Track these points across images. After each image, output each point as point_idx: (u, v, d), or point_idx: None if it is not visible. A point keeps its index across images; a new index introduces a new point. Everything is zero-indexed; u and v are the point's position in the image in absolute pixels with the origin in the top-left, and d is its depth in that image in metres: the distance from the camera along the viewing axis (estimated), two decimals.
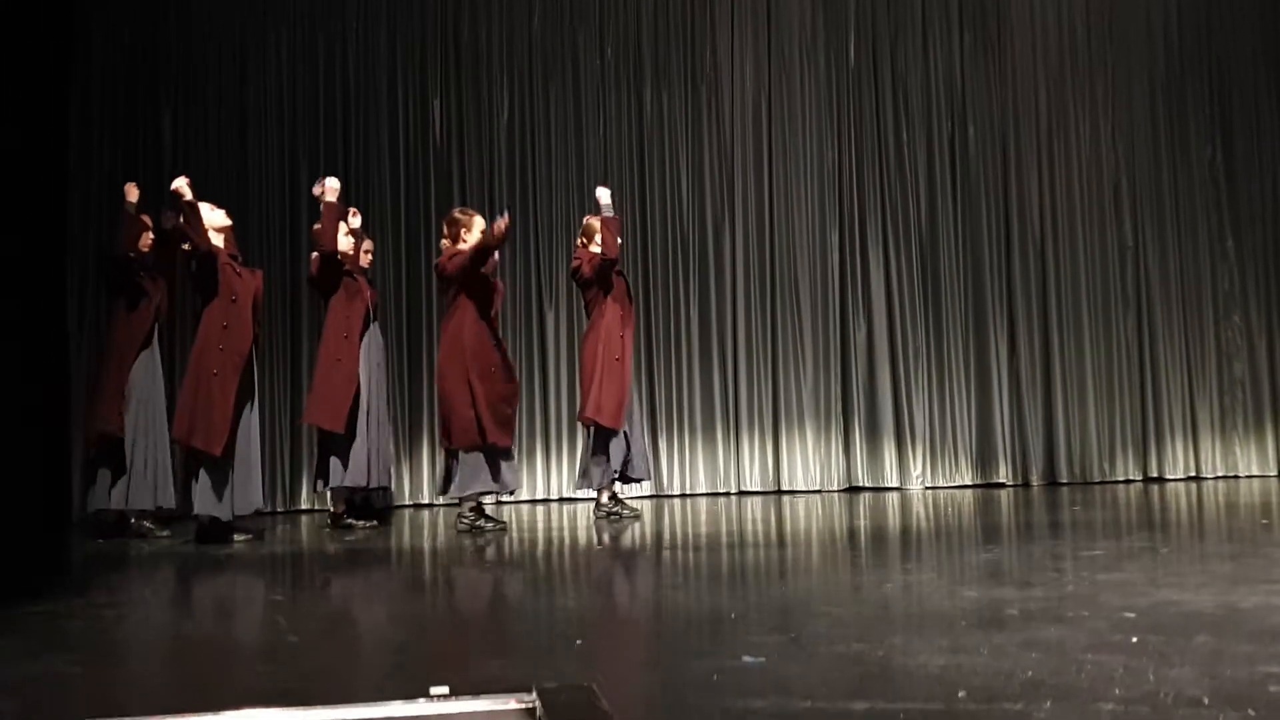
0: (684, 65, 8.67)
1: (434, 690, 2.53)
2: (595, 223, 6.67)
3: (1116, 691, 2.40)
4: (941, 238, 8.82)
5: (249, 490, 5.92)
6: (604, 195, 6.69)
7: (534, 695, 2.48)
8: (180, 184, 5.85)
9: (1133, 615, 3.23)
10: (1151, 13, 9.22)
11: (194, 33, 8.04)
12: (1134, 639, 2.90)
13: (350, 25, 8.24)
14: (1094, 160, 9.04)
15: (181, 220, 5.82)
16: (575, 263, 6.72)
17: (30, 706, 2.56)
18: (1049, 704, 2.31)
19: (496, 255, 6.29)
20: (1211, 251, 9.16)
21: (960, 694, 2.41)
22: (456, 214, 6.45)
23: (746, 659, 2.81)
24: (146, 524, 6.35)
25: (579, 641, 3.26)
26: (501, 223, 6.05)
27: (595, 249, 6.62)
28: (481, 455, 6.08)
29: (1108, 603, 3.44)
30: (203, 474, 5.76)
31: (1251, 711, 2.23)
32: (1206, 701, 2.31)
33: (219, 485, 5.80)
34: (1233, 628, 3.04)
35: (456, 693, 2.51)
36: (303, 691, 2.60)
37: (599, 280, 6.58)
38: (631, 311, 6.81)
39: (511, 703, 2.47)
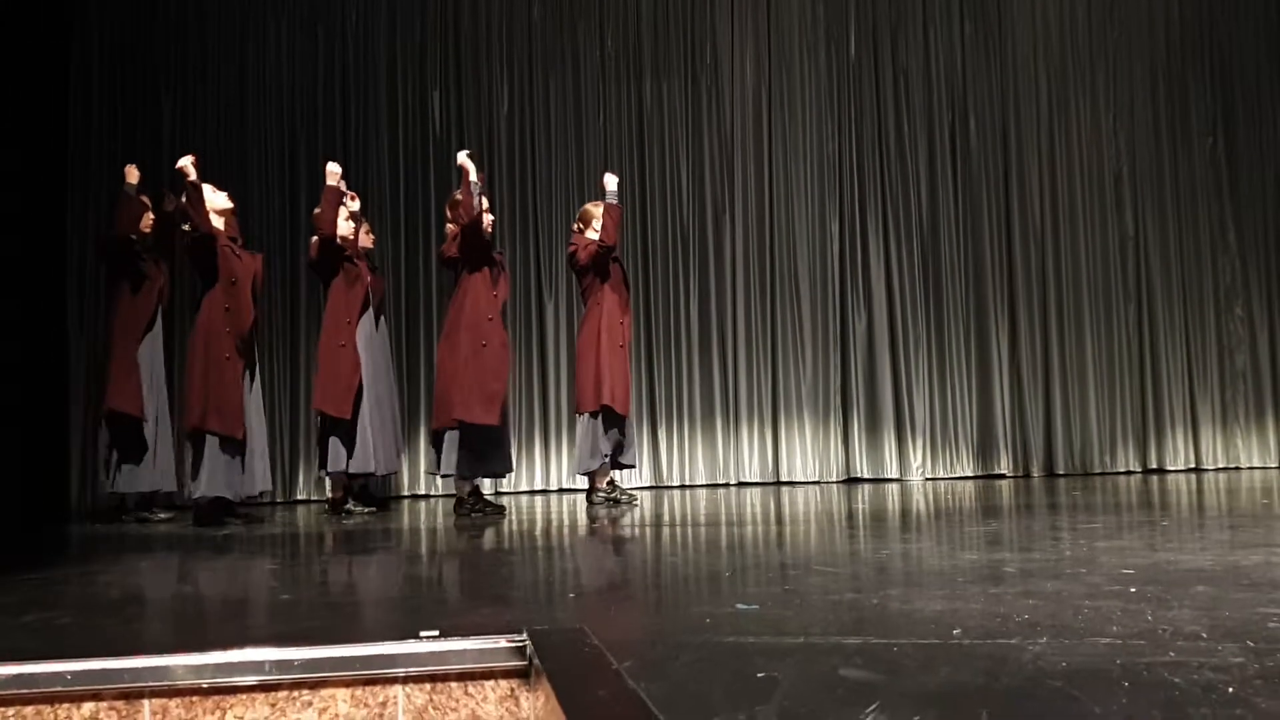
0: (684, 57, 8.68)
1: (424, 633, 2.52)
2: (594, 209, 6.66)
3: (1114, 629, 2.38)
4: (942, 228, 8.81)
5: (256, 470, 5.93)
6: (611, 182, 6.67)
7: (525, 636, 2.47)
8: (185, 163, 5.84)
9: (1131, 572, 3.21)
10: (1153, 1, 9.23)
11: (193, 19, 8.05)
12: (1132, 589, 2.88)
13: (350, 15, 8.25)
14: (1095, 150, 9.04)
15: (184, 200, 5.82)
16: (571, 248, 6.72)
17: (18, 650, 2.54)
18: (1044, 639, 2.29)
19: (490, 220, 6.28)
20: (1213, 243, 9.16)
21: (955, 631, 2.39)
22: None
23: (740, 606, 2.79)
24: (159, 512, 6.35)
25: (572, 595, 3.23)
26: (465, 165, 6.08)
27: (591, 235, 6.60)
28: (462, 436, 6.07)
29: (1106, 563, 3.42)
30: (213, 456, 5.76)
31: (1250, 643, 2.21)
32: (1205, 636, 2.29)
33: (230, 466, 5.80)
34: (1232, 580, 3.02)
35: (448, 636, 2.50)
36: (296, 636, 2.58)
37: (595, 267, 6.57)
38: (628, 298, 6.80)
39: (502, 642, 2.46)
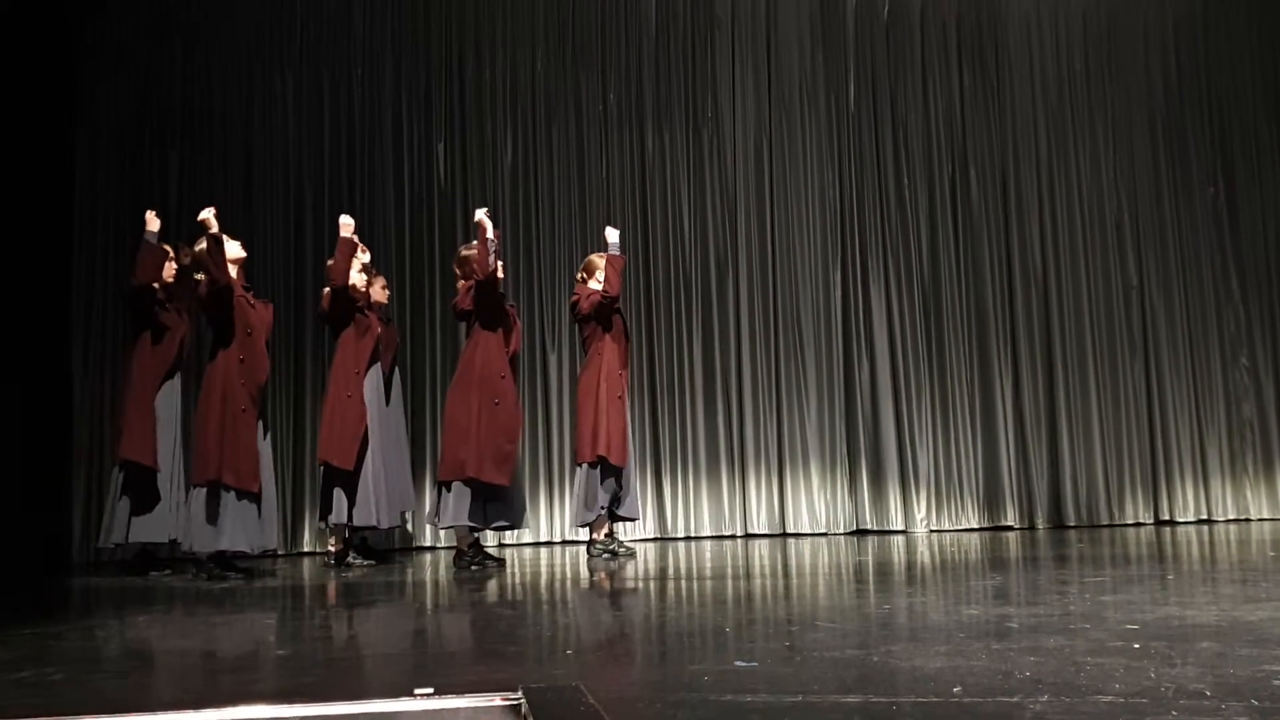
0: (685, 107, 8.74)
1: (418, 691, 2.49)
2: (598, 260, 6.70)
3: (1116, 687, 2.35)
4: (944, 277, 8.81)
5: (266, 524, 5.88)
6: (612, 235, 6.73)
7: (520, 694, 2.43)
8: (208, 215, 5.86)
9: (1136, 627, 3.17)
10: (1150, 52, 9.30)
11: (199, 73, 8.12)
12: (1136, 645, 2.85)
13: (356, 67, 8.33)
14: (1095, 199, 9.07)
15: (204, 251, 5.82)
16: (574, 298, 6.75)
17: (10, 707, 2.51)
18: (1045, 697, 2.26)
19: (500, 267, 6.31)
20: (1216, 292, 9.15)
21: (956, 689, 2.36)
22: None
23: (739, 663, 2.76)
24: (165, 569, 6.30)
25: (570, 651, 3.20)
26: (483, 222, 6.12)
27: (595, 285, 6.63)
28: (470, 490, 6.07)
29: (1111, 618, 3.38)
30: (229, 509, 5.71)
31: (1255, 701, 2.18)
32: (1209, 694, 2.26)
33: (245, 519, 5.74)
34: (1237, 636, 2.98)
35: (442, 693, 2.47)
36: (290, 693, 2.55)
37: (598, 317, 6.60)
38: (628, 349, 6.82)
39: (497, 700, 2.43)
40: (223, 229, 5.86)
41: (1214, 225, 9.21)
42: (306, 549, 7.78)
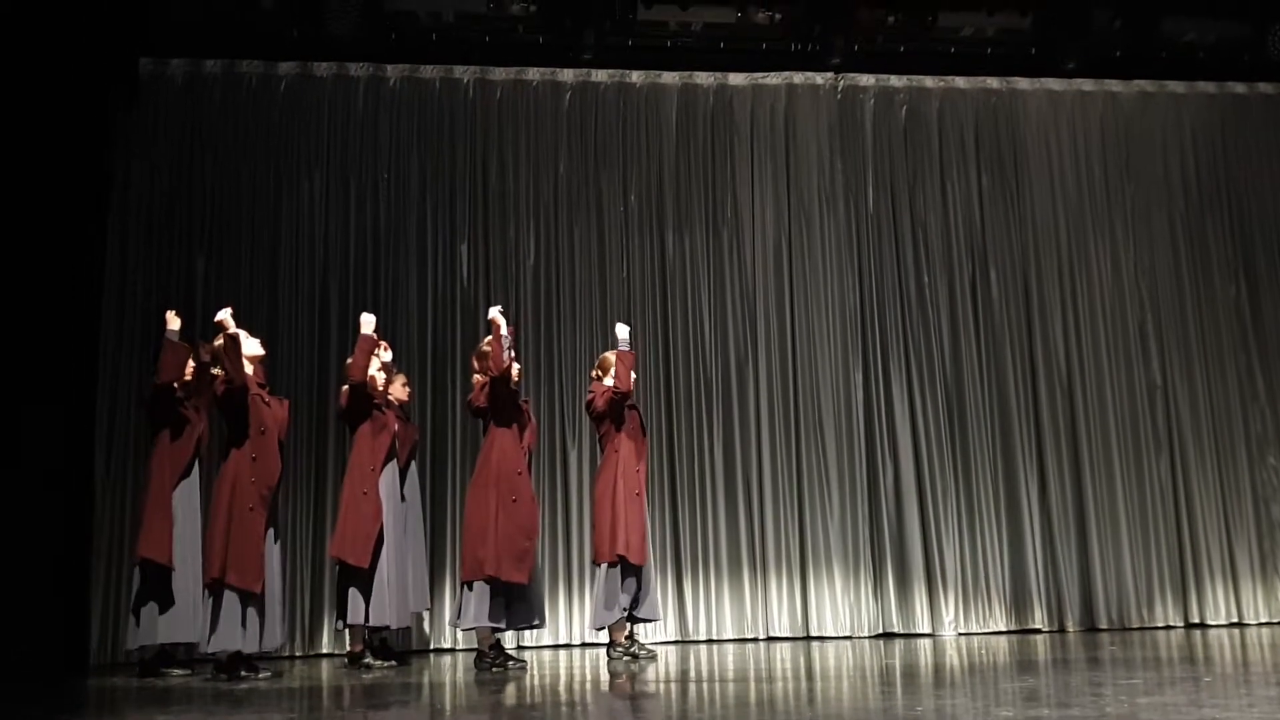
0: (705, 209, 8.84)
1: None
2: (612, 357, 6.76)
3: None
4: (966, 378, 8.79)
5: (274, 625, 5.84)
6: (622, 331, 6.81)
7: None
8: (225, 315, 5.94)
9: None
10: (1168, 155, 9.37)
11: (228, 178, 8.29)
12: None
13: (382, 170, 8.49)
14: (1117, 299, 9.07)
15: (221, 348, 5.88)
16: (589, 396, 6.80)
17: None
18: None
19: (516, 365, 6.35)
20: (1241, 391, 9.08)
21: None
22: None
23: None
24: (175, 669, 6.23)
25: None
26: (496, 320, 6.18)
27: (609, 382, 6.68)
28: (490, 589, 6.02)
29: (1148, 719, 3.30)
30: (230, 608, 5.68)
31: None
32: None
33: (247, 619, 5.72)
34: None
35: None
36: None
37: (611, 414, 6.63)
38: (645, 446, 6.82)
39: None
40: (245, 328, 5.93)
41: (1237, 324, 9.18)
42: (325, 650, 7.69)
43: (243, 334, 5.98)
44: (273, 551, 5.94)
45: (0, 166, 6.95)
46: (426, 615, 7.49)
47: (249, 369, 5.98)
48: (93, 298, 7.92)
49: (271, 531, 5.93)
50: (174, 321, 6.42)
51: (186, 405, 6.39)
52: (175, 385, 6.36)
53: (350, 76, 8.58)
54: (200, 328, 7.26)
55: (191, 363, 6.46)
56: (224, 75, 8.44)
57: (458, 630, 7.18)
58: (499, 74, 8.77)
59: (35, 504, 7.05)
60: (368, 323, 6.53)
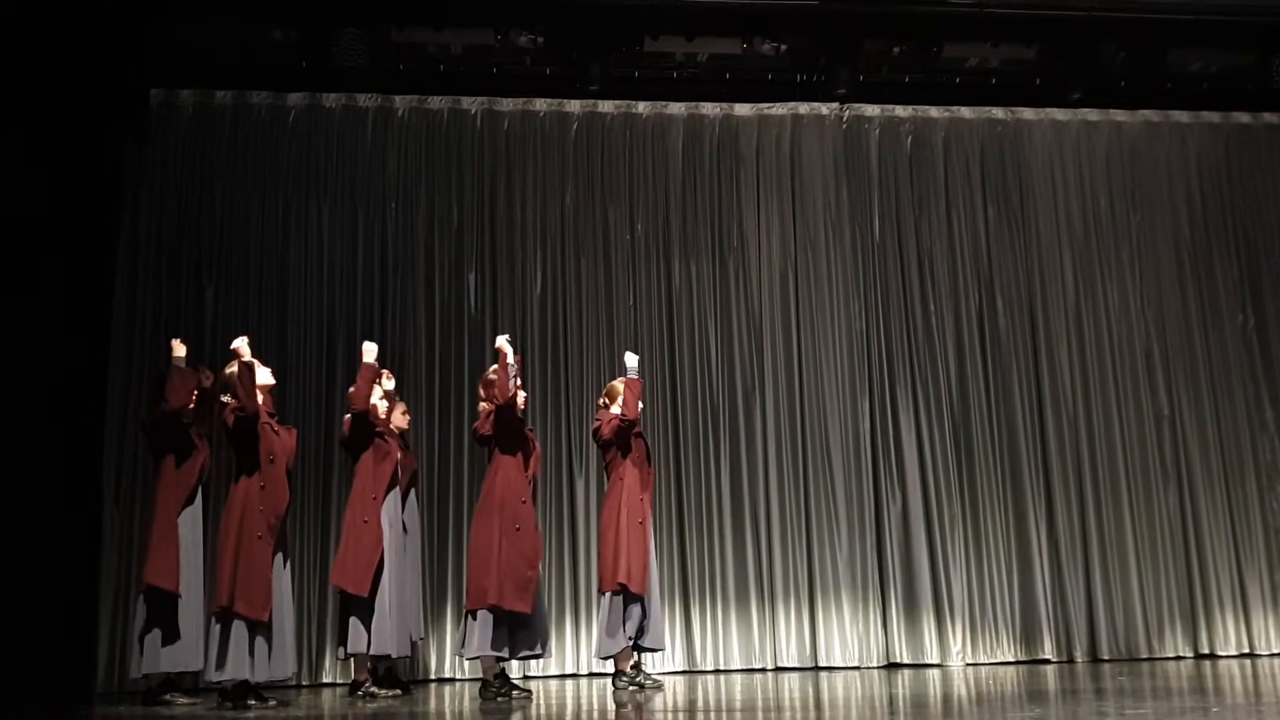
0: (711, 239, 8.86)
1: None
2: (618, 385, 6.79)
3: None
4: (973, 407, 8.78)
5: (283, 654, 5.83)
6: (631, 359, 6.84)
7: None
8: (241, 344, 5.98)
9: None
10: (1174, 181, 9.38)
11: (237, 207, 8.35)
12: None
13: (390, 201, 8.55)
14: (1124, 329, 9.06)
15: (234, 376, 5.90)
16: (595, 424, 6.82)
17: None
18: None
19: (523, 397, 6.37)
20: (1250, 421, 9.05)
21: None
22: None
23: None
24: (179, 696, 6.22)
25: None
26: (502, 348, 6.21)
27: (616, 410, 6.69)
28: (494, 618, 6.02)
29: None
30: (239, 638, 5.67)
31: None
32: None
33: (255, 648, 5.70)
34: None
35: None
36: None
37: (618, 442, 6.64)
38: (651, 475, 6.83)
39: None
40: (255, 357, 5.95)
41: (1245, 353, 9.15)
42: (330, 680, 7.67)
43: (256, 363, 6.01)
44: (284, 579, 5.93)
45: (11, 195, 6.99)
46: (421, 644, 7.46)
47: (259, 398, 5.99)
48: (102, 325, 7.96)
49: (281, 558, 5.92)
50: (179, 349, 6.44)
51: (191, 432, 6.40)
52: (180, 411, 6.39)
53: (359, 107, 8.65)
54: (210, 356, 7.31)
55: (194, 391, 6.48)
56: (233, 106, 8.51)
57: (463, 659, 7.15)
58: (506, 105, 8.83)
59: (44, 531, 7.06)
60: (370, 351, 6.56)
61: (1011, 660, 8.37)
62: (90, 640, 7.48)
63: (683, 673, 8.01)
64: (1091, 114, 9.35)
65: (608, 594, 6.48)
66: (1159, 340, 9.08)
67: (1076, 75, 8.84)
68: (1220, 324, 9.16)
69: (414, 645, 6.77)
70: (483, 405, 6.51)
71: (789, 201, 9.01)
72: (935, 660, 8.32)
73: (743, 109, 9.06)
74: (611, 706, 5.78)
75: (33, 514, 6.91)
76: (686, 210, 8.90)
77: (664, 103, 9.01)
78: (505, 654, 6.12)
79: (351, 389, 6.61)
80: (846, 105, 9.13)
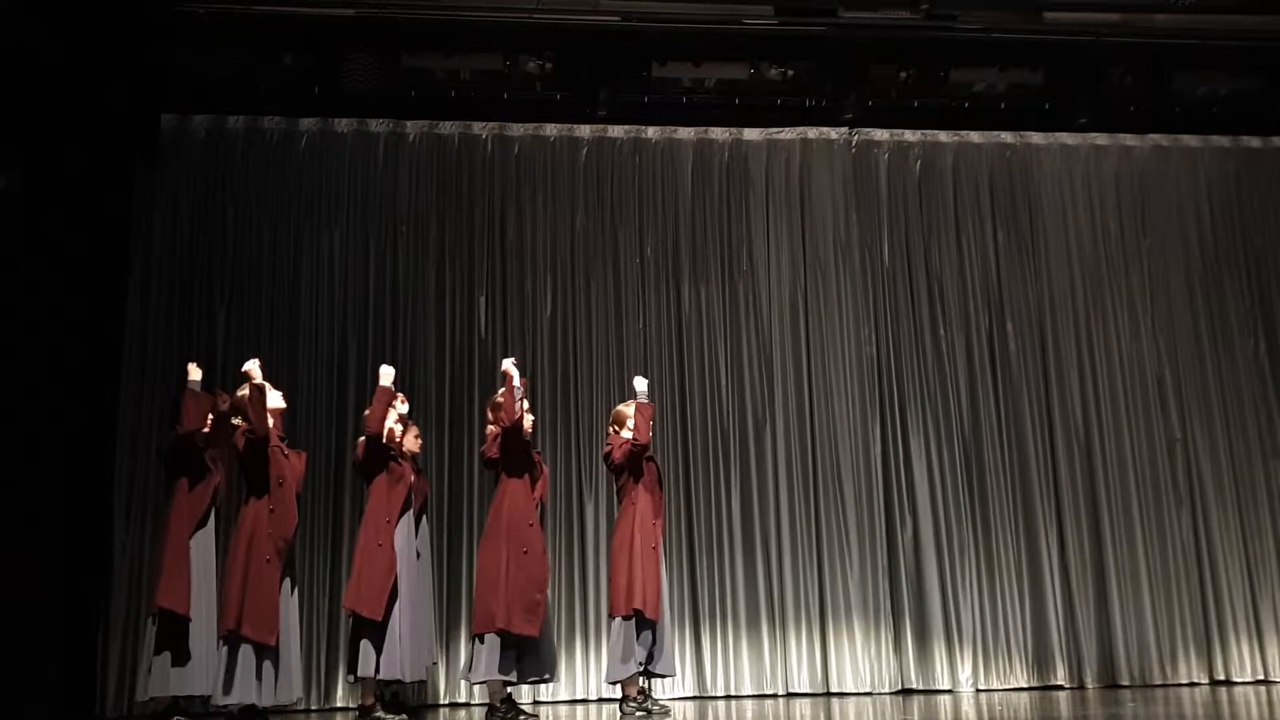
0: (721, 263, 8.87)
1: None
2: (626, 410, 6.80)
3: None
4: (984, 432, 8.75)
5: (290, 677, 5.82)
6: (641, 383, 6.83)
7: None
8: (252, 366, 6.00)
9: None
10: (1184, 207, 9.37)
11: (249, 232, 8.38)
12: None
13: (401, 225, 8.58)
14: (1135, 353, 9.03)
15: (245, 399, 5.92)
16: (606, 449, 6.81)
17: None
18: None
19: (530, 420, 6.37)
20: (1263, 445, 9.00)
21: None
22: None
23: None
24: None
25: None
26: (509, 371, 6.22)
27: (626, 434, 6.68)
28: (501, 641, 5.99)
29: None
30: (245, 662, 5.67)
31: None
32: None
33: (262, 672, 5.70)
34: None
35: None
36: None
37: (630, 466, 6.62)
38: (662, 499, 6.81)
39: None
40: (267, 380, 5.97)
41: (1257, 378, 9.11)
42: (340, 704, 7.65)
43: (267, 385, 6.03)
44: (290, 604, 5.94)
45: (22, 219, 7.04)
46: (432, 669, 7.44)
47: (270, 421, 6.01)
48: (114, 349, 7.99)
49: (288, 583, 5.93)
50: (195, 372, 6.46)
51: (206, 455, 6.41)
52: (194, 434, 6.39)
53: (370, 132, 8.70)
54: (221, 379, 7.32)
55: (210, 414, 6.49)
56: (245, 131, 8.57)
57: (470, 683, 7.13)
58: (517, 130, 8.87)
59: (53, 553, 7.06)
60: (386, 375, 6.57)
61: (1024, 686, 8.31)
62: (98, 663, 7.46)
63: (693, 698, 7.97)
64: (1100, 138, 9.36)
65: (619, 619, 6.46)
66: (1170, 364, 9.05)
67: (1085, 100, 8.87)
68: (1231, 348, 9.13)
69: (428, 670, 6.74)
70: (490, 428, 6.52)
71: (798, 225, 9.03)
72: (947, 686, 8.26)
73: (752, 133, 9.09)
74: None
75: (43, 535, 6.92)
76: (696, 234, 8.92)
77: (673, 127, 9.03)
78: (513, 678, 6.10)
79: (367, 412, 6.62)
80: (855, 130, 9.16)
